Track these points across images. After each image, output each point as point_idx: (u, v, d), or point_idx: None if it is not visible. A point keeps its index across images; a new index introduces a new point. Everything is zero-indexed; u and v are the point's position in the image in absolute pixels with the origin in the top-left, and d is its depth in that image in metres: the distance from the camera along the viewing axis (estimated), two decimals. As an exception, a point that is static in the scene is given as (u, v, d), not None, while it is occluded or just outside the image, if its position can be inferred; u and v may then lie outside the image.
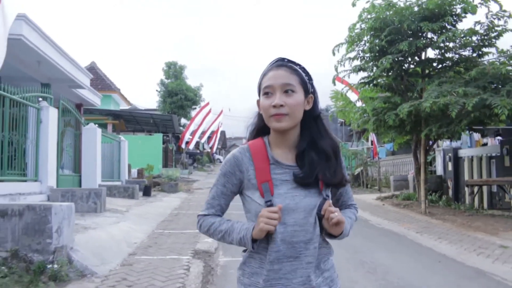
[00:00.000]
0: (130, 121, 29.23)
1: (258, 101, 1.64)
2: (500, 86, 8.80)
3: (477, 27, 9.98)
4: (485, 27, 9.88)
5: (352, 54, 11.81)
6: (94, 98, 16.48)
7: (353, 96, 13.84)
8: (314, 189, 1.55)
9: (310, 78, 1.63)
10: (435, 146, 17.37)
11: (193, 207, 12.55)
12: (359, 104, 13.58)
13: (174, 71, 40.77)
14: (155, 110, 37.79)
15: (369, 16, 10.70)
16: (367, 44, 11.42)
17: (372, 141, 21.02)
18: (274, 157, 1.59)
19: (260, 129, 1.68)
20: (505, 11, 9.50)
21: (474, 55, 10.47)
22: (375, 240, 8.08)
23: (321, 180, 1.55)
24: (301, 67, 1.62)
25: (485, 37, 10.04)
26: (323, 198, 1.54)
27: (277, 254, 1.51)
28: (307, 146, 1.59)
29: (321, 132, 1.63)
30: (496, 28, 9.82)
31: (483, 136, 15.61)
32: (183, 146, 30.69)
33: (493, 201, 12.54)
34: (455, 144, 16.61)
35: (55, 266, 4.92)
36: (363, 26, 11.17)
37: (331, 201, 1.56)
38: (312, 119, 1.63)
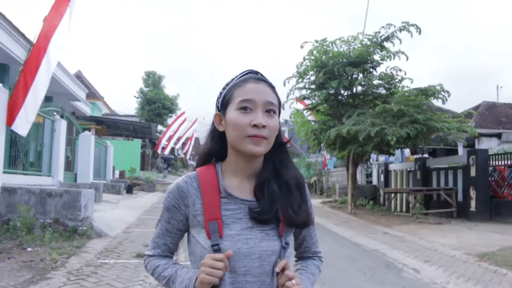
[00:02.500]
0: (111, 126, 31.81)
1: (217, 116, 1.36)
2: (397, 120, 12.01)
3: (383, 75, 13.32)
4: (389, 76, 13.23)
5: (300, 85, 14.93)
6: (86, 108, 19.33)
7: (309, 117, 17.03)
8: (273, 231, 1.27)
9: (279, 100, 1.37)
10: (373, 160, 20.83)
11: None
12: (312, 123, 16.76)
13: (153, 80, 43.43)
14: (133, 117, 40.36)
15: (311, 58, 13.86)
16: (311, 78, 14.57)
17: (323, 155, 24.35)
18: (226, 189, 1.31)
19: (213, 152, 1.39)
20: (400, 69, 13.03)
21: (388, 93, 13.75)
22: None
23: (283, 218, 1.28)
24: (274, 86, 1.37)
25: (391, 82, 13.37)
26: (282, 246, 1.26)
27: None
28: (269, 177, 1.32)
29: (286, 161, 1.36)
30: (396, 76, 13.20)
31: (413, 153, 19.11)
32: (159, 151, 33.39)
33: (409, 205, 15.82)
34: (391, 159, 20.01)
35: (84, 228, 7.81)
36: (307, 63, 14.30)
37: (289, 260, 1.29)
38: (278, 146, 1.35)
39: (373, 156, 21.18)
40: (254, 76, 1.34)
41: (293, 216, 1.28)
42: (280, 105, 1.36)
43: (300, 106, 17.15)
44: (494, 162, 12.96)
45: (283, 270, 1.23)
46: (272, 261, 1.25)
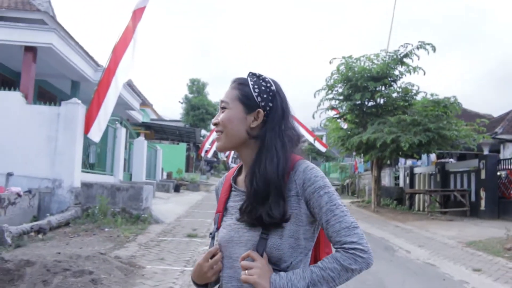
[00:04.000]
0: (159, 131, 34.35)
1: None
2: (412, 128, 13.49)
3: (399, 89, 14.85)
4: (405, 89, 14.76)
5: (330, 96, 16.62)
6: (138, 116, 21.66)
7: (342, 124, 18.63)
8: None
9: (264, 91, 1.41)
10: (401, 164, 22.21)
11: (212, 200, 17.47)
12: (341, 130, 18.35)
13: (197, 87, 45.98)
14: (179, 122, 42.94)
15: (336, 74, 15.55)
16: (339, 90, 16.24)
17: (354, 159, 25.86)
18: (234, 183, 1.49)
19: None
20: (413, 84, 14.57)
21: (406, 104, 15.25)
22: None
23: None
24: (258, 79, 1.44)
25: (407, 96, 14.89)
26: (261, 237, 1.31)
27: None
28: (251, 173, 1.37)
29: (260, 156, 1.37)
30: (412, 90, 14.72)
31: (440, 158, 20.41)
32: (202, 154, 35.66)
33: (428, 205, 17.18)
34: (418, 163, 21.35)
35: (145, 215, 9.84)
36: (335, 77, 15.97)
37: (257, 253, 1.30)
38: (257, 140, 1.40)
39: (402, 160, 22.54)
40: (232, 80, 1.49)
41: (253, 215, 1.31)
42: (249, 95, 1.41)
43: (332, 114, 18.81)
44: (506, 166, 14.23)
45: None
46: (254, 249, 1.30)
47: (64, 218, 9.09)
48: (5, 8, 13.71)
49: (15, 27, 10.83)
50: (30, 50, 10.86)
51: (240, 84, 1.45)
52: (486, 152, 20.14)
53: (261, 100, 1.41)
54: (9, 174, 10.02)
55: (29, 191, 9.57)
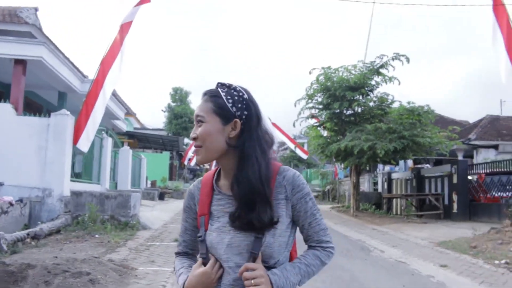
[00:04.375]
0: (142, 140, 34.63)
1: None
2: (387, 136, 14.16)
3: (375, 99, 15.59)
4: (380, 99, 15.49)
5: (310, 105, 17.22)
6: (123, 125, 22.02)
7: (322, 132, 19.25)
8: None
9: (237, 101, 1.47)
10: (379, 170, 22.94)
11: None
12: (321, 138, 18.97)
13: (180, 96, 46.35)
14: (161, 130, 43.23)
15: (316, 84, 16.19)
16: (318, 99, 16.86)
17: (335, 165, 26.57)
18: (219, 188, 1.53)
19: None
20: (388, 94, 15.30)
21: (383, 112, 15.95)
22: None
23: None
24: (230, 89, 1.50)
25: (383, 104, 15.62)
26: (255, 237, 1.40)
27: None
28: (235, 181, 1.45)
29: (242, 164, 1.44)
30: (387, 99, 15.47)
31: (417, 163, 21.18)
32: (185, 163, 36.01)
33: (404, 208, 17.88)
34: (396, 168, 22.10)
35: (133, 222, 10.25)
36: (315, 87, 16.59)
37: (275, 249, 1.43)
38: (237, 149, 1.46)
39: (380, 166, 23.29)
40: (203, 92, 1.53)
41: (244, 220, 1.40)
42: (223, 107, 1.46)
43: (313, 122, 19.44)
44: (478, 171, 15.02)
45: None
46: (248, 250, 1.40)
47: (55, 226, 9.44)
48: (-7, 22, 14.01)
49: (5, 41, 11.19)
50: (20, 62, 11.23)
51: (212, 96, 1.49)
52: (460, 157, 21.03)
53: (236, 110, 1.46)
54: (0, 184, 10.35)
55: (21, 200, 9.91)
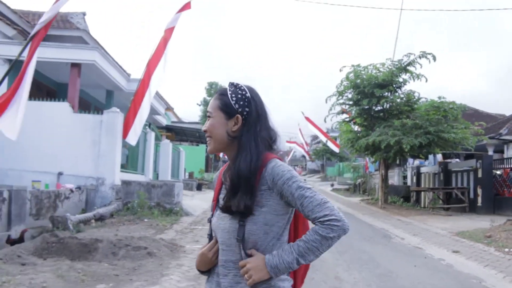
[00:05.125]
0: (179, 133, 36.07)
1: None
2: (414, 131, 14.82)
3: (402, 96, 16.24)
4: (407, 95, 16.14)
5: (340, 101, 18.00)
6: (163, 120, 23.35)
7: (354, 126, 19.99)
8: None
9: (240, 99, 1.67)
10: (409, 164, 23.50)
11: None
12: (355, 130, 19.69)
13: (215, 90, 47.52)
14: (198, 124, 44.59)
15: (346, 81, 16.96)
16: (348, 96, 17.62)
17: (365, 159, 27.21)
18: (224, 177, 1.72)
19: None
20: (414, 91, 15.93)
21: (410, 108, 16.57)
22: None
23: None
24: (236, 88, 1.69)
25: (409, 101, 16.26)
26: (238, 224, 1.59)
27: (218, 270, 1.67)
28: (229, 170, 1.69)
29: (238, 155, 1.65)
30: (414, 96, 16.10)
31: (446, 158, 21.66)
32: (220, 155, 37.26)
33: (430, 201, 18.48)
34: (426, 163, 22.62)
35: (177, 209, 11.40)
36: (345, 84, 17.35)
37: (258, 235, 1.60)
38: (236, 141, 1.67)
39: (410, 160, 23.80)
40: (216, 91, 1.77)
41: (224, 204, 1.63)
42: (228, 104, 1.67)
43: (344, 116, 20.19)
44: (503, 165, 15.52)
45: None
46: (235, 235, 1.59)
47: (109, 211, 10.68)
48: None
49: (63, 47, 12.49)
50: (76, 66, 12.50)
51: (221, 95, 1.70)
52: (490, 152, 21.35)
53: (238, 107, 1.65)
54: (60, 174, 11.71)
55: (79, 188, 11.21)
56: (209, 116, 1.69)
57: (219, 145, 1.68)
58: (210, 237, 1.73)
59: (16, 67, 11.96)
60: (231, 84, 1.72)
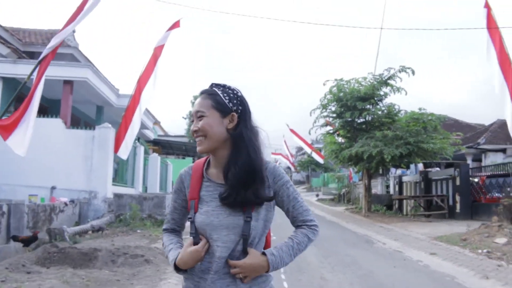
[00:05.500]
0: (166, 146, 36.43)
1: None
2: (394, 142, 15.47)
3: (383, 108, 16.97)
4: (388, 108, 16.86)
5: (324, 114, 18.61)
6: (150, 134, 23.72)
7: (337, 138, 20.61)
8: (238, 207, 1.63)
9: (233, 98, 1.73)
10: (391, 173, 24.19)
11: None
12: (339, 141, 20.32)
13: (200, 104, 48.06)
14: (183, 137, 44.99)
15: (329, 95, 17.62)
16: (332, 109, 18.24)
17: (349, 169, 27.88)
18: (208, 175, 1.73)
19: None
20: (395, 104, 16.67)
21: (391, 120, 17.26)
22: (322, 226, 14.78)
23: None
24: (225, 88, 1.74)
25: (390, 114, 16.98)
26: (244, 220, 1.62)
27: (208, 265, 1.65)
28: (230, 167, 1.67)
29: (239, 150, 1.68)
30: (394, 109, 16.84)
31: (427, 167, 22.39)
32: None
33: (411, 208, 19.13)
34: (408, 172, 23.33)
35: (168, 220, 11.79)
36: (328, 97, 17.98)
37: (259, 232, 1.67)
38: (236, 137, 1.70)
39: (392, 170, 24.50)
40: (200, 92, 1.77)
41: (244, 197, 1.62)
42: (221, 103, 1.70)
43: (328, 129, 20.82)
44: (479, 173, 16.24)
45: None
46: (237, 232, 1.62)
47: (102, 223, 11.04)
48: (40, 44, 15.82)
49: (56, 65, 12.85)
50: (68, 83, 12.92)
51: (210, 94, 1.72)
52: (469, 161, 22.18)
53: (232, 105, 1.70)
54: (53, 188, 12.05)
55: (72, 201, 11.56)
56: (201, 116, 1.69)
57: (215, 143, 1.69)
58: (195, 236, 1.69)
59: (11, 85, 12.37)
60: (217, 85, 1.76)
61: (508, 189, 12.02)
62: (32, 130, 6.67)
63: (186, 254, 1.66)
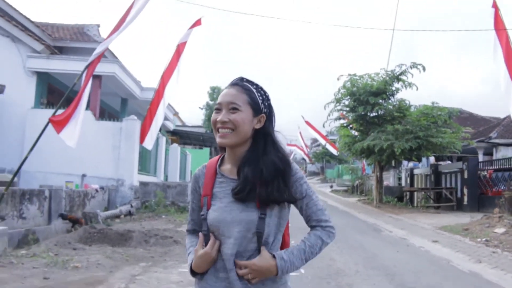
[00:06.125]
0: (183, 137, 37.43)
1: None
2: (404, 136, 16.14)
3: (394, 103, 17.59)
4: (399, 103, 17.49)
5: (338, 107, 19.31)
6: (170, 125, 24.69)
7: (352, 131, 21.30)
8: (252, 204, 1.59)
9: (265, 99, 1.71)
10: (403, 166, 24.81)
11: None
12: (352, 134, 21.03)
13: (217, 95, 48.81)
14: (201, 127, 45.97)
15: (343, 89, 18.30)
16: (345, 103, 18.93)
17: (362, 161, 28.57)
18: (221, 172, 1.70)
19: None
20: (405, 100, 17.28)
21: (402, 115, 17.89)
22: (335, 215, 15.54)
23: (257, 196, 1.59)
24: (258, 87, 1.71)
25: (401, 109, 17.60)
26: (259, 217, 1.58)
27: (222, 264, 1.62)
28: (248, 162, 1.64)
29: (266, 149, 1.66)
30: (405, 104, 17.47)
31: (439, 160, 22.97)
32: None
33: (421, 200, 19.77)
34: (420, 165, 23.94)
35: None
36: (342, 92, 18.66)
37: (273, 229, 1.63)
38: (261, 137, 1.68)
39: (405, 162, 25.11)
40: (232, 82, 1.72)
41: (266, 195, 1.57)
42: (256, 101, 1.67)
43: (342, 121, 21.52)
44: (493, 167, 16.88)
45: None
46: (250, 228, 1.57)
47: (129, 209, 11.98)
48: (69, 40, 16.77)
49: (86, 60, 13.73)
50: (97, 77, 13.79)
51: (246, 89, 1.68)
52: (481, 155, 22.68)
53: (263, 107, 1.69)
54: (83, 175, 12.99)
55: (102, 188, 12.50)
56: (235, 109, 1.64)
57: (241, 139, 1.65)
58: (206, 234, 1.64)
59: (44, 79, 13.29)
60: (249, 81, 1.73)
61: (510, 182, 12.62)
62: (81, 125, 7.50)
63: (198, 259, 1.63)
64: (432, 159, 23.36)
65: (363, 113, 18.10)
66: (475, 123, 28.93)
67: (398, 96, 18.11)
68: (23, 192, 8.47)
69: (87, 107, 13.91)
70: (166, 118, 21.44)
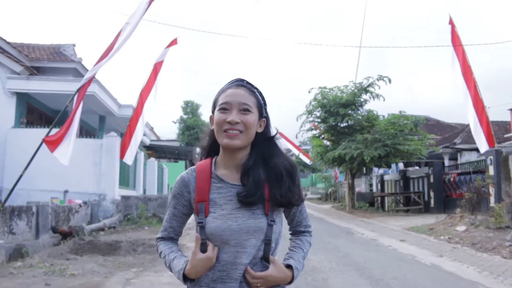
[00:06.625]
0: (158, 151, 37.76)
1: (211, 117, 1.65)
2: (373, 144, 17.04)
3: (363, 114, 18.57)
4: (367, 114, 18.47)
5: (310, 119, 20.14)
6: (146, 140, 25.06)
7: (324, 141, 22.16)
8: (260, 210, 1.53)
9: (265, 103, 1.66)
10: (374, 173, 25.78)
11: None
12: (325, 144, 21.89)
13: (191, 109, 49.49)
14: (175, 141, 46.34)
15: (314, 101, 19.16)
16: (317, 114, 19.78)
17: (335, 170, 29.53)
18: (219, 176, 1.60)
19: (209, 148, 1.71)
20: (372, 110, 18.25)
21: (370, 125, 18.83)
22: (310, 221, 16.24)
23: (268, 199, 1.54)
24: (258, 91, 1.66)
25: (369, 119, 18.57)
26: (268, 224, 1.53)
27: (221, 274, 1.53)
28: (254, 165, 1.57)
29: (273, 152, 1.62)
30: (373, 115, 18.45)
31: (406, 166, 23.99)
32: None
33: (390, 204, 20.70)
34: (389, 171, 24.94)
35: (171, 218, 13.18)
36: (313, 104, 19.51)
37: (276, 236, 1.59)
38: (264, 140, 1.63)
39: (375, 169, 26.11)
40: (237, 82, 1.63)
41: (280, 198, 1.53)
42: (261, 105, 1.63)
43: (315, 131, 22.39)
44: (453, 171, 17.87)
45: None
46: (258, 236, 1.52)
47: (112, 222, 12.40)
48: (46, 60, 17.11)
49: (65, 80, 14.23)
50: (77, 96, 14.22)
51: (253, 92, 1.64)
52: (446, 160, 23.82)
53: (264, 111, 1.66)
54: (66, 191, 13.36)
55: (85, 203, 12.89)
56: (247, 110, 1.59)
57: (248, 142, 1.61)
58: (203, 244, 1.54)
59: (23, 99, 13.62)
60: (251, 84, 1.68)
61: (471, 184, 13.55)
62: (74, 144, 7.99)
63: (197, 262, 1.53)
64: (401, 165, 24.41)
65: (334, 123, 18.97)
66: (441, 129, 30.22)
67: (367, 107, 19.07)
68: (13, 208, 8.87)
69: (57, 125, 14.35)
70: (144, 134, 21.90)
